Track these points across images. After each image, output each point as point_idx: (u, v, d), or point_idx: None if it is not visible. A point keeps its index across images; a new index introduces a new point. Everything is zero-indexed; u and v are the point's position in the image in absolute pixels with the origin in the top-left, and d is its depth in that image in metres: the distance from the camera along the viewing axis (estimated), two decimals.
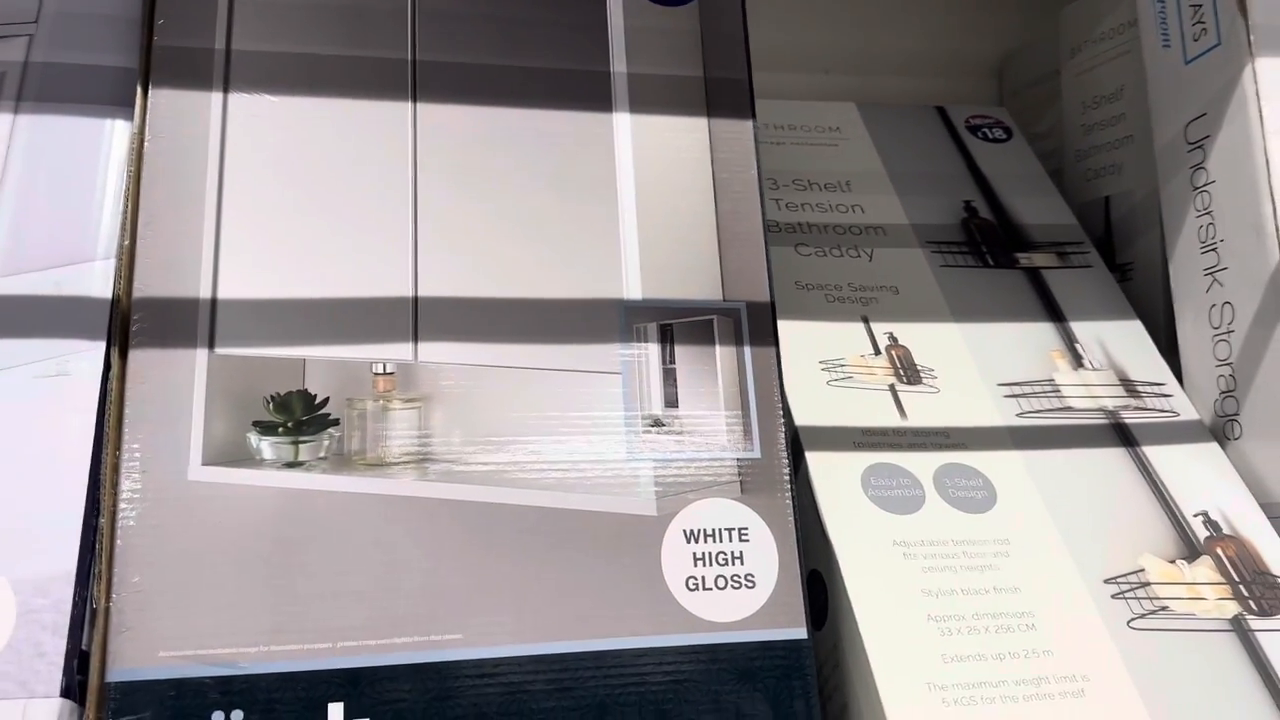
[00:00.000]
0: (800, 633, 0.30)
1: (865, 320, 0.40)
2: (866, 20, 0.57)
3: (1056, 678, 0.30)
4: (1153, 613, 0.33)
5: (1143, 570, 0.34)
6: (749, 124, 0.35)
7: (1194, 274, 0.40)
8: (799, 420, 0.36)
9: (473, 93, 0.32)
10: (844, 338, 0.39)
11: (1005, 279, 0.43)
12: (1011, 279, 0.43)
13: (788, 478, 0.31)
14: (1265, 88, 0.37)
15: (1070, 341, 0.41)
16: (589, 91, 0.34)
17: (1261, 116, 0.37)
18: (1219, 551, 0.35)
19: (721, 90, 0.35)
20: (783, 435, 0.32)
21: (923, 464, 0.35)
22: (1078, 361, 0.40)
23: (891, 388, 0.38)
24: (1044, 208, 0.47)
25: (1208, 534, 0.35)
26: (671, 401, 0.31)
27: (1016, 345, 0.40)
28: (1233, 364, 0.38)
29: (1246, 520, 0.36)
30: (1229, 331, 0.39)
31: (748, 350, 0.32)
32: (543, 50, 0.34)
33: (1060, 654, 0.31)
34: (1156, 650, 0.32)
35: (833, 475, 0.34)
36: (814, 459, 0.35)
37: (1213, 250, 0.39)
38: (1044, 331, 0.41)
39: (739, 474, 0.31)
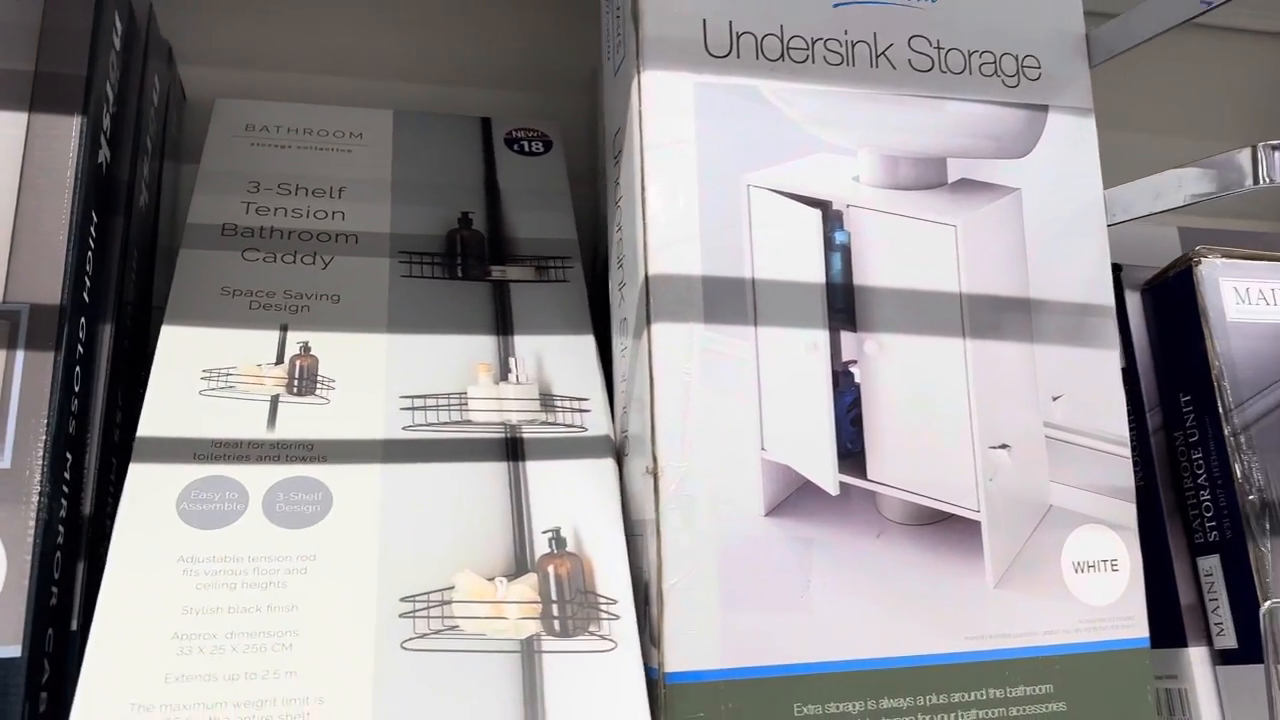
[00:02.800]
0: (13, 651, 0.29)
1: (284, 328, 0.39)
2: (463, 27, 0.56)
3: (286, 700, 0.29)
4: (437, 633, 0.32)
5: (451, 588, 0.33)
6: (75, 120, 0.34)
7: (614, 288, 0.40)
8: (142, 431, 0.35)
9: None
10: (250, 346, 0.38)
11: (468, 291, 0.42)
12: (475, 291, 0.43)
13: (38, 489, 0.30)
14: (647, 100, 0.37)
15: (506, 355, 0.40)
16: None
17: (642, 129, 0.36)
18: (549, 569, 0.34)
19: (52, 85, 0.34)
20: (43, 444, 0.31)
21: (262, 477, 0.34)
22: (504, 375, 0.40)
23: (275, 399, 0.37)
24: (548, 222, 0.46)
25: (547, 551, 0.34)
26: None
27: (445, 357, 0.40)
28: (626, 379, 0.38)
29: (601, 539, 0.35)
30: (625, 348, 0.38)
31: (20, 354, 0.31)
32: None
33: (305, 675, 0.30)
34: (420, 671, 0.31)
35: (150, 488, 0.33)
36: (135, 470, 0.33)
37: (620, 265, 0.39)
38: (482, 344, 0.40)
39: None
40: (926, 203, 0.39)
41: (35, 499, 0.30)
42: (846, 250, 0.37)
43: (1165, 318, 0.45)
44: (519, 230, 0.45)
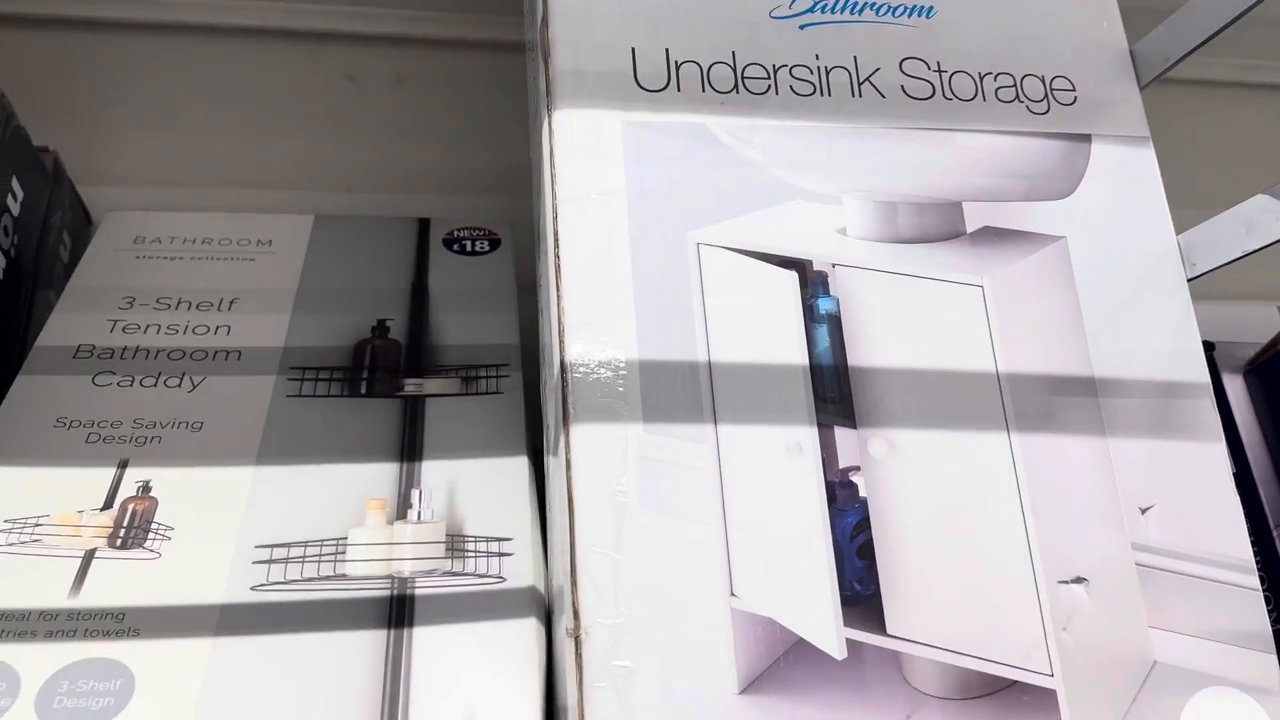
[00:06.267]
0: None
1: (122, 464, 0.31)
2: (415, 134, 0.50)
3: None
4: None
5: None
6: None
7: (544, 395, 0.31)
8: None
9: None
10: (75, 489, 0.30)
11: (372, 410, 0.34)
12: (380, 410, 0.34)
13: None
14: (560, 145, 0.29)
15: (407, 487, 0.31)
16: None
17: (554, 181, 0.28)
18: None
19: None
20: None
21: (46, 659, 0.25)
22: (401, 513, 0.30)
23: (90, 554, 0.28)
24: (484, 326, 0.38)
25: None
26: None
27: (326, 495, 0.31)
28: (549, 508, 0.28)
29: None
30: (549, 468, 0.29)
31: None
32: None
33: None
34: None
35: None
36: None
37: (546, 362, 0.30)
38: (379, 475, 0.31)
39: None
40: (939, 258, 0.29)
41: None
42: (835, 321, 0.28)
43: (1277, 402, 0.35)
44: (447, 336, 0.37)
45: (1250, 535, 0.34)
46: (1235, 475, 0.35)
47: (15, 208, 0.37)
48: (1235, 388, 0.36)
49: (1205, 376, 0.30)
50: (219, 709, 0.25)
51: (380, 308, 0.38)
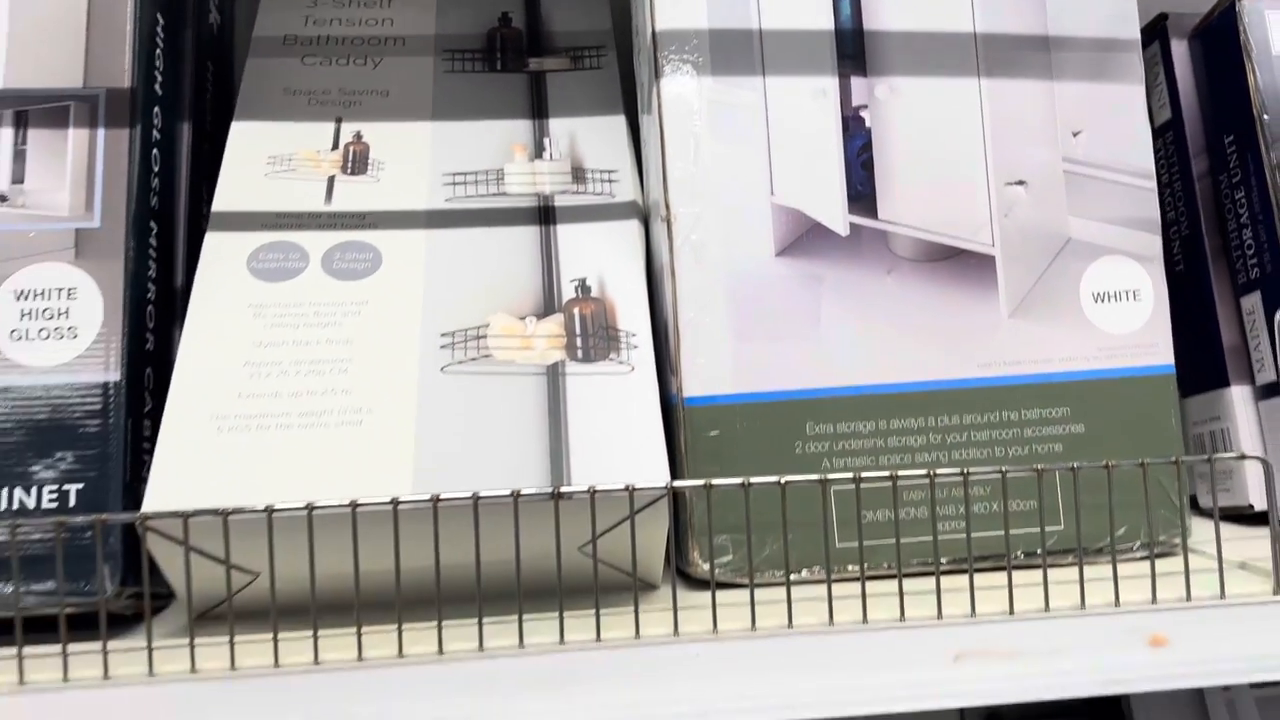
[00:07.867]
0: (113, 376, 0.34)
1: (338, 120, 0.43)
2: None
3: (341, 410, 0.34)
4: (472, 359, 0.36)
5: (487, 325, 0.36)
6: None
7: (637, 69, 0.42)
8: (216, 207, 0.39)
9: None
10: (309, 136, 0.42)
11: (507, 82, 0.45)
12: (513, 82, 0.45)
13: (123, 245, 0.35)
14: None
15: (540, 136, 0.43)
16: None
17: None
18: (575, 310, 0.37)
19: None
20: (126, 208, 0.35)
21: (321, 240, 0.39)
22: (538, 153, 0.42)
23: (331, 179, 0.41)
24: (583, 16, 0.48)
25: (573, 295, 0.38)
26: (18, 178, 0.35)
27: (484, 141, 0.43)
28: (645, 148, 0.40)
29: (623, 286, 0.38)
30: (644, 124, 0.40)
31: (101, 132, 0.36)
32: None
33: (357, 392, 0.34)
34: (454, 390, 0.35)
35: (223, 251, 0.38)
36: (213, 238, 0.38)
37: (638, 35, 0.41)
38: (519, 128, 0.43)
39: (75, 242, 0.35)
40: None
41: (123, 253, 0.35)
42: None
43: (1211, 61, 0.44)
44: (555, 25, 0.48)
45: (1176, 164, 0.45)
46: (1170, 120, 0.45)
47: None
48: (1181, 51, 0.45)
49: (1135, 34, 0.39)
50: (439, 272, 0.38)
51: (501, 3, 0.48)
